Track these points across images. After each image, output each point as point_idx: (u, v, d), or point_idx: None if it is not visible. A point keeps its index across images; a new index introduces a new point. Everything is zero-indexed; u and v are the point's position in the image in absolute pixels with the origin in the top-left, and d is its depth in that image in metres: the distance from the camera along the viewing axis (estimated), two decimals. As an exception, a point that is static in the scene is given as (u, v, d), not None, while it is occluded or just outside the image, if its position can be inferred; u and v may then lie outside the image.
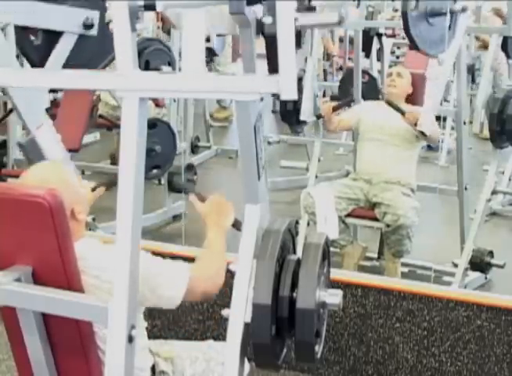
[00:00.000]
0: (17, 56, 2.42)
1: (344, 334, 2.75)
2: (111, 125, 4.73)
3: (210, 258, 1.75)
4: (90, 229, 3.48)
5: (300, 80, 4.21)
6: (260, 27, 1.34)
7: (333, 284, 1.76)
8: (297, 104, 4.35)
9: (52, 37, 2.31)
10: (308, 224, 3.53)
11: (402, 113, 3.36)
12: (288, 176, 5.20)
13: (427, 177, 4.00)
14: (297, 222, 3.31)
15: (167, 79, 1.34)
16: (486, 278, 3.58)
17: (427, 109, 3.27)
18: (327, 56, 7.61)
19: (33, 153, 2.03)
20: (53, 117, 4.03)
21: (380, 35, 5.04)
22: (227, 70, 6.48)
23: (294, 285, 1.46)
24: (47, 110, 2.52)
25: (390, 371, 2.71)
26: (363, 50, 4.47)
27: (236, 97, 1.34)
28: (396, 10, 8.36)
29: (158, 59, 3.97)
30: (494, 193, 3.66)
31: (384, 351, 2.70)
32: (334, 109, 3.69)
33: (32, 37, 2.33)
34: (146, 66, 3.84)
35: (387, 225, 3.30)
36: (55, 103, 4.15)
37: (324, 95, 6.58)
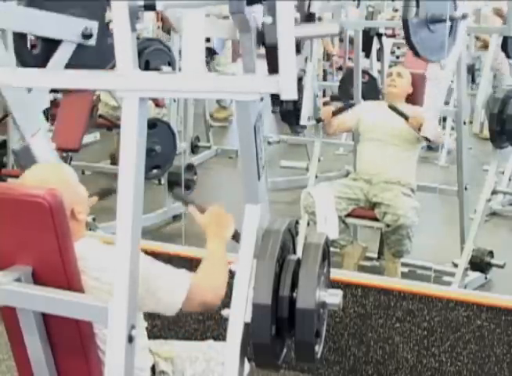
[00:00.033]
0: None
1: (344, 334, 2.75)
2: (111, 125, 4.73)
3: (212, 268, 1.72)
4: (90, 229, 3.48)
5: (300, 80, 4.21)
6: (260, 37, 1.34)
7: (333, 284, 1.76)
8: (297, 104, 4.35)
9: (51, 46, 2.31)
10: (308, 224, 3.53)
11: (406, 118, 3.36)
12: (288, 176, 5.20)
13: (427, 177, 4.00)
14: (297, 222, 3.31)
15: (167, 79, 1.34)
16: (486, 278, 3.58)
17: (430, 115, 3.26)
18: (327, 56, 7.61)
19: (25, 160, 2.02)
20: (53, 117, 4.04)
21: (380, 35, 5.04)
22: (227, 70, 6.48)
23: (294, 285, 1.46)
24: (47, 110, 2.52)
25: (390, 371, 2.71)
26: (363, 50, 4.47)
27: (236, 97, 1.34)
28: (396, 10, 8.35)
29: (158, 59, 3.97)
30: (494, 193, 3.66)
31: (383, 351, 2.70)
32: (334, 113, 3.68)
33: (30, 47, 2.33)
34: (146, 66, 3.84)
35: (387, 225, 3.30)
36: (55, 103, 4.15)
37: (324, 95, 6.58)
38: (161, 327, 2.85)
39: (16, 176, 1.87)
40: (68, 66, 2.32)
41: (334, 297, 1.51)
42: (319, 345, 1.53)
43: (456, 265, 3.51)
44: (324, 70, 7.47)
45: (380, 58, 5.33)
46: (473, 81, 5.57)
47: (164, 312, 1.64)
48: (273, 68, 1.22)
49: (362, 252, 3.54)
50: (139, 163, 1.33)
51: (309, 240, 1.54)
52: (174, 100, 4.67)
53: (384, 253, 3.56)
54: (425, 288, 2.69)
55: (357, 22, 4.45)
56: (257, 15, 1.35)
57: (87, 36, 2.35)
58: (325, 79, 7.39)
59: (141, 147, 1.34)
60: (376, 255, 3.79)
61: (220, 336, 2.55)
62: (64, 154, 4.60)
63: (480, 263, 3.48)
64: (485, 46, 5.44)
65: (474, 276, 3.55)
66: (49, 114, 5.84)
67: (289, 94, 1.21)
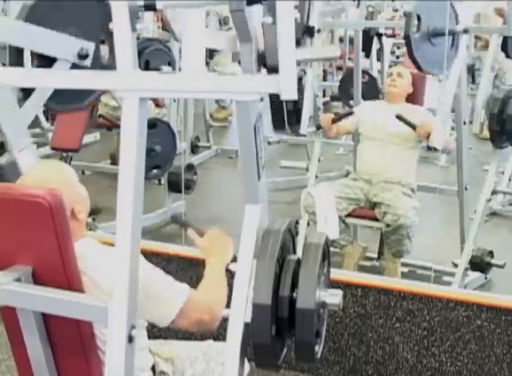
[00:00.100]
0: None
1: (344, 334, 2.75)
2: (111, 125, 4.74)
3: (211, 290, 1.70)
4: (90, 229, 3.48)
5: (300, 80, 4.21)
6: (262, 59, 1.34)
7: (333, 284, 1.76)
8: (297, 104, 4.35)
9: (47, 63, 2.31)
10: (308, 224, 3.53)
11: (413, 127, 3.37)
12: (288, 176, 5.20)
13: (427, 177, 4.00)
14: (297, 222, 3.31)
15: (167, 79, 1.34)
16: (486, 278, 3.58)
17: (438, 125, 3.28)
18: (326, 56, 7.60)
19: (11, 174, 2.03)
20: (53, 117, 4.04)
21: (380, 35, 5.04)
22: (226, 70, 6.48)
23: (294, 285, 1.46)
24: (47, 110, 2.52)
25: (390, 371, 2.71)
26: (363, 50, 4.47)
27: (236, 97, 1.34)
28: (396, 10, 8.35)
29: (158, 59, 3.97)
30: (494, 193, 3.66)
31: (383, 351, 2.70)
32: (334, 121, 3.68)
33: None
34: (146, 66, 3.84)
35: (387, 225, 3.31)
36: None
37: (324, 95, 6.59)
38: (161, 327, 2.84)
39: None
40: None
41: (334, 297, 1.51)
42: (319, 345, 1.53)
43: (456, 265, 3.51)
44: (324, 70, 7.47)
45: (380, 58, 5.33)
46: (473, 81, 5.58)
47: (158, 322, 1.63)
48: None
49: (362, 252, 3.54)
50: (139, 163, 1.33)
51: (309, 240, 1.54)
52: (174, 100, 4.67)
53: (384, 253, 3.56)
54: (425, 288, 2.69)
55: (357, 22, 4.46)
56: (259, 31, 1.35)
57: (83, 56, 2.35)
58: (325, 79, 7.39)
59: (141, 147, 1.34)
60: (376, 255, 3.79)
61: (220, 336, 2.55)
62: (64, 154, 4.61)
63: (480, 263, 3.48)
64: (486, 46, 5.44)
65: (474, 276, 3.55)
66: (49, 114, 5.85)
67: (289, 94, 1.21)
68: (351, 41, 5.03)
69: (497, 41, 3.72)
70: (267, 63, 1.34)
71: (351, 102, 4.52)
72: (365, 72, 4.78)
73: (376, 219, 3.40)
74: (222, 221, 4.45)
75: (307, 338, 1.45)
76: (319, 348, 1.53)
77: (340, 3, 4.89)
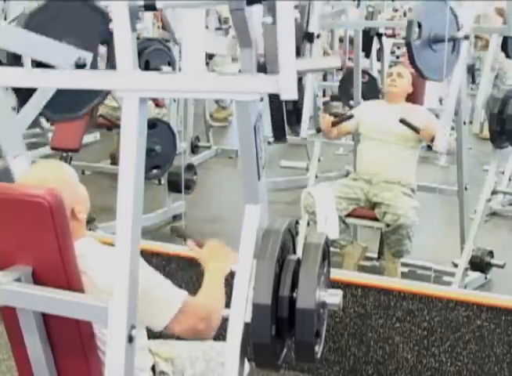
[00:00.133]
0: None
1: (344, 334, 2.75)
2: (111, 125, 4.74)
3: (209, 298, 1.68)
4: (90, 229, 3.48)
5: (300, 80, 4.21)
6: (263, 70, 1.34)
7: (333, 284, 1.76)
8: (297, 104, 4.35)
9: None
10: (308, 224, 3.53)
11: (417, 130, 3.38)
12: (288, 176, 5.20)
13: (427, 177, 4.00)
14: (297, 222, 3.31)
15: (167, 79, 1.34)
16: (486, 278, 3.59)
17: (441, 129, 3.28)
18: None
19: (4, 181, 2.03)
20: (53, 117, 4.04)
21: (380, 35, 5.04)
22: (225, 70, 6.48)
23: (294, 285, 1.46)
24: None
25: (390, 371, 2.71)
26: (363, 50, 4.47)
27: (236, 97, 1.34)
28: (396, 10, 8.34)
29: (158, 59, 3.97)
30: (494, 193, 3.66)
31: (383, 351, 2.70)
32: (333, 124, 3.68)
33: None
34: (146, 66, 3.84)
35: (387, 225, 3.31)
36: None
37: (324, 95, 6.59)
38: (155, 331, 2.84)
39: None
40: (57, 94, 2.33)
41: (334, 297, 1.51)
42: (319, 345, 1.53)
43: (456, 265, 3.51)
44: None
45: (380, 58, 5.33)
46: (473, 81, 5.58)
47: (151, 326, 1.61)
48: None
49: (362, 252, 3.54)
50: (139, 163, 1.33)
51: (309, 240, 1.54)
52: (174, 100, 4.67)
53: (384, 253, 3.56)
54: (425, 288, 2.69)
55: (357, 22, 4.46)
56: (258, 35, 1.35)
57: (80, 66, 2.36)
58: (325, 79, 7.39)
59: (141, 147, 1.34)
60: (376, 255, 3.79)
61: (220, 336, 2.55)
62: (64, 154, 4.61)
63: (480, 263, 3.48)
64: (487, 46, 5.44)
65: (474, 276, 3.55)
66: (49, 114, 5.83)
67: (289, 94, 1.21)
68: (351, 41, 5.02)
69: (497, 41, 3.71)
70: (267, 71, 1.34)
71: (351, 102, 4.52)
72: (365, 72, 4.78)
73: (376, 219, 3.40)
74: (222, 221, 4.45)
75: (307, 338, 1.45)
76: (319, 348, 1.53)
77: (341, 4, 4.88)
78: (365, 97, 4.17)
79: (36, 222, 1.47)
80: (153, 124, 3.93)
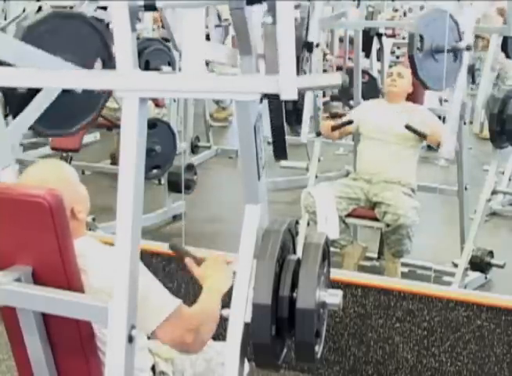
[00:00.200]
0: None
1: (344, 334, 2.75)
2: (111, 125, 4.74)
3: (203, 312, 1.66)
4: (90, 229, 3.48)
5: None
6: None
7: (333, 284, 1.76)
8: (297, 104, 4.35)
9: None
10: (308, 224, 3.53)
11: (423, 136, 3.39)
12: (288, 176, 5.20)
13: (427, 177, 4.00)
14: (297, 222, 3.31)
15: (167, 79, 1.34)
16: (486, 278, 3.59)
17: (447, 136, 3.30)
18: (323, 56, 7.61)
19: None
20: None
21: (380, 35, 5.04)
22: (224, 71, 6.48)
23: (294, 285, 1.46)
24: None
25: (390, 371, 2.71)
26: (363, 50, 4.47)
27: (236, 97, 1.34)
28: (396, 10, 8.34)
29: (158, 59, 3.97)
30: (494, 193, 3.66)
31: (383, 351, 2.70)
32: (333, 128, 3.70)
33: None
34: (146, 66, 3.85)
35: (388, 225, 3.31)
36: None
37: (324, 96, 6.57)
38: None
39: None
40: (50, 109, 2.32)
41: (334, 297, 1.51)
42: (319, 345, 1.53)
43: (456, 265, 3.51)
44: (324, 70, 7.46)
45: (380, 58, 5.33)
46: (473, 81, 5.56)
47: (140, 328, 1.56)
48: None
49: (362, 252, 3.54)
50: (139, 163, 1.33)
51: (309, 240, 1.54)
52: (174, 100, 4.67)
53: (384, 253, 3.56)
54: (425, 288, 2.69)
55: (357, 22, 4.45)
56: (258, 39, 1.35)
57: None
58: (325, 79, 7.37)
59: (141, 147, 1.34)
60: (376, 255, 3.79)
61: (220, 336, 2.55)
62: (64, 154, 4.62)
63: (480, 263, 3.48)
64: (488, 46, 5.43)
65: (474, 276, 3.55)
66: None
67: (289, 94, 1.21)
68: (351, 41, 5.01)
69: (497, 41, 3.71)
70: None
71: (351, 102, 4.52)
72: (365, 72, 4.78)
73: (376, 219, 3.40)
74: (222, 221, 4.45)
75: (307, 338, 1.45)
76: (319, 348, 1.53)
77: (341, 4, 4.88)
78: (365, 97, 4.17)
79: (36, 222, 1.47)
80: (153, 124, 3.93)
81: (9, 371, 2.71)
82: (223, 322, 1.54)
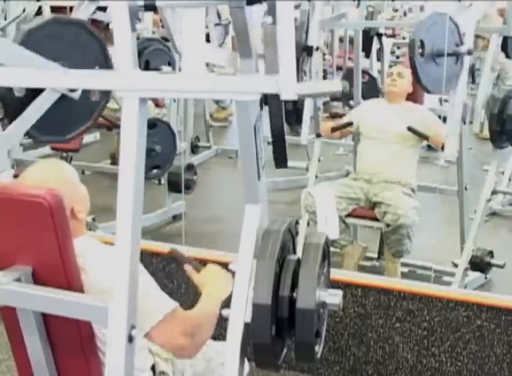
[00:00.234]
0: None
1: (344, 334, 2.75)
2: (111, 125, 4.74)
3: (199, 317, 1.65)
4: (90, 229, 3.48)
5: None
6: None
7: (333, 284, 1.76)
8: (297, 104, 4.35)
9: (35, 91, 2.32)
10: (308, 224, 3.53)
11: (426, 138, 3.40)
12: (288, 176, 5.20)
13: (427, 177, 4.00)
14: (297, 222, 3.31)
15: (167, 79, 1.34)
16: (486, 278, 3.59)
17: (450, 138, 3.31)
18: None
19: None
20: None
21: (380, 35, 5.04)
22: (224, 71, 6.47)
23: (294, 285, 1.46)
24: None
25: (390, 371, 2.71)
26: (363, 50, 4.47)
27: (236, 97, 1.34)
28: (396, 10, 8.33)
29: (158, 59, 3.97)
30: (494, 193, 3.66)
31: (383, 351, 2.70)
32: (333, 130, 3.72)
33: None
34: (146, 66, 3.85)
35: (388, 225, 3.31)
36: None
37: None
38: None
39: (16, 176, 1.87)
40: (46, 115, 2.32)
41: (334, 297, 1.51)
42: (319, 345, 1.53)
43: (456, 265, 3.51)
44: (324, 70, 7.46)
45: (380, 58, 5.33)
46: (473, 81, 5.56)
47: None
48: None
49: (362, 252, 3.54)
50: (139, 163, 1.33)
51: (309, 240, 1.54)
52: (174, 100, 4.67)
53: (384, 253, 3.56)
54: (425, 288, 2.69)
55: (357, 22, 4.45)
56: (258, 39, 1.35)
57: (71, 89, 2.36)
58: (325, 79, 7.38)
59: (141, 147, 1.34)
60: (376, 255, 3.79)
61: (220, 336, 2.55)
62: (64, 154, 4.62)
63: (480, 263, 3.48)
64: (488, 46, 5.43)
65: (474, 276, 3.55)
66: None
67: (289, 94, 1.21)
68: (351, 41, 5.01)
69: (497, 41, 3.71)
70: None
71: (351, 102, 4.52)
72: (365, 72, 4.78)
73: (376, 219, 3.40)
74: (222, 221, 4.45)
75: (307, 338, 1.45)
76: (319, 348, 1.53)
77: (341, 4, 4.88)
78: (365, 97, 4.17)
79: (36, 222, 1.47)
80: (153, 124, 3.93)
81: (8, 371, 2.71)
82: (223, 322, 1.54)
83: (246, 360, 1.54)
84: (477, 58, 5.62)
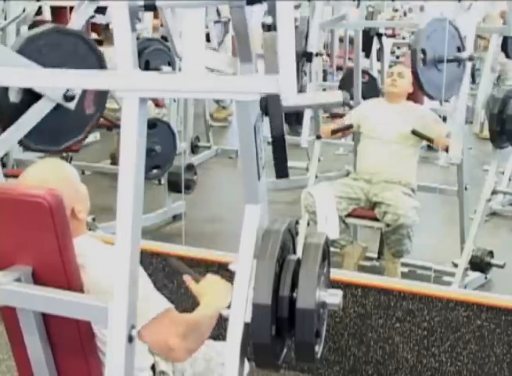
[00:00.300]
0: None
1: (344, 334, 2.75)
2: (111, 125, 4.74)
3: (195, 321, 1.64)
4: (90, 229, 3.48)
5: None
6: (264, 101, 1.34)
7: (333, 284, 1.76)
8: (297, 104, 4.34)
9: (31, 99, 2.31)
10: (308, 224, 3.53)
11: (431, 140, 3.40)
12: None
13: (427, 177, 4.00)
14: (297, 222, 3.31)
15: (167, 79, 1.34)
16: (486, 278, 3.59)
17: (454, 141, 3.32)
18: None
19: None
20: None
21: (380, 35, 5.04)
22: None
23: (294, 285, 1.46)
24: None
25: (390, 371, 2.71)
26: (363, 50, 4.47)
27: (236, 97, 1.34)
28: (396, 10, 8.33)
29: (158, 59, 3.97)
30: (494, 193, 3.66)
31: (383, 351, 2.70)
32: (333, 132, 3.73)
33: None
34: (146, 66, 3.85)
35: (388, 225, 3.30)
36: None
37: (324, 96, 6.57)
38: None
39: (16, 176, 1.87)
40: (40, 124, 2.32)
41: (334, 297, 1.51)
42: (319, 345, 1.53)
43: (456, 265, 3.51)
44: (324, 70, 7.47)
45: (380, 58, 5.33)
46: (473, 81, 5.56)
47: None
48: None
49: (362, 252, 3.54)
50: (139, 163, 1.33)
51: (309, 240, 1.54)
52: (174, 100, 4.67)
53: (384, 253, 3.56)
54: (425, 288, 2.68)
55: (357, 22, 4.45)
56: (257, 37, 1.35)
57: (68, 98, 2.35)
58: (325, 79, 7.39)
59: (141, 147, 1.34)
60: (376, 255, 3.79)
61: (220, 336, 2.55)
62: (64, 154, 4.61)
63: (480, 263, 3.48)
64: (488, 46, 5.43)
65: (474, 276, 3.55)
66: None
67: (289, 94, 1.21)
68: (351, 41, 5.02)
69: (497, 42, 3.71)
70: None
71: (351, 102, 4.52)
72: (365, 72, 4.78)
73: (376, 219, 3.40)
74: (222, 221, 4.45)
75: (307, 338, 1.45)
76: (319, 348, 1.53)
77: (341, 4, 4.88)
78: (365, 97, 4.17)
79: (36, 222, 1.47)
80: (153, 124, 3.93)
81: (8, 371, 2.71)
82: (223, 322, 1.54)
83: (246, 360, 1.54)
84: (478, 58, 5.62)
